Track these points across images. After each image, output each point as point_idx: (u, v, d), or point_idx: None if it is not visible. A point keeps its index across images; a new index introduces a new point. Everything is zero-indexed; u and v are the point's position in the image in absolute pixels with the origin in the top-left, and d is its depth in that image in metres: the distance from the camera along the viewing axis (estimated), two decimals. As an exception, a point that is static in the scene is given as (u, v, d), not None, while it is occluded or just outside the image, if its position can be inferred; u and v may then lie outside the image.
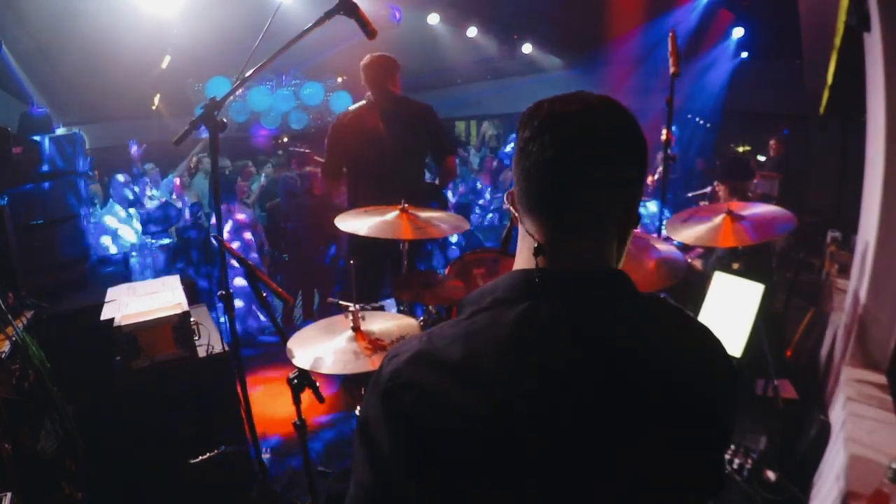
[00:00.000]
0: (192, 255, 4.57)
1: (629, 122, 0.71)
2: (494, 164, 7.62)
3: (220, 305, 1.93)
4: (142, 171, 5.45)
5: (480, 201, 6.91)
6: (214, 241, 1.86)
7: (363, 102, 3.11)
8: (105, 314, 2.26)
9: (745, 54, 8.01)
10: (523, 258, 0.73)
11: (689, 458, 0.68)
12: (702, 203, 4.15)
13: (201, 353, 2.28)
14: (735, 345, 2.19)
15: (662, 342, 0.69)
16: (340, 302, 2.07)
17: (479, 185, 7.18)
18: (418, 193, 2.78)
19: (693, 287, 2.60)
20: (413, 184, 3.01)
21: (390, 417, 0.65)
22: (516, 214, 0.75)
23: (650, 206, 5.53)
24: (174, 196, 5.40)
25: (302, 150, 4.98)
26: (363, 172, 3.09)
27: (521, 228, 0.75)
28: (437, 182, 3.38)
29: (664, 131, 2.68)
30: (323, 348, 1.84)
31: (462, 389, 0.63)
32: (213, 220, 2.52)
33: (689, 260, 3.38)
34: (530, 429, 0.62)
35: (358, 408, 2.11)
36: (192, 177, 6.65)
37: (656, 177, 5.15)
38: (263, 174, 6.40)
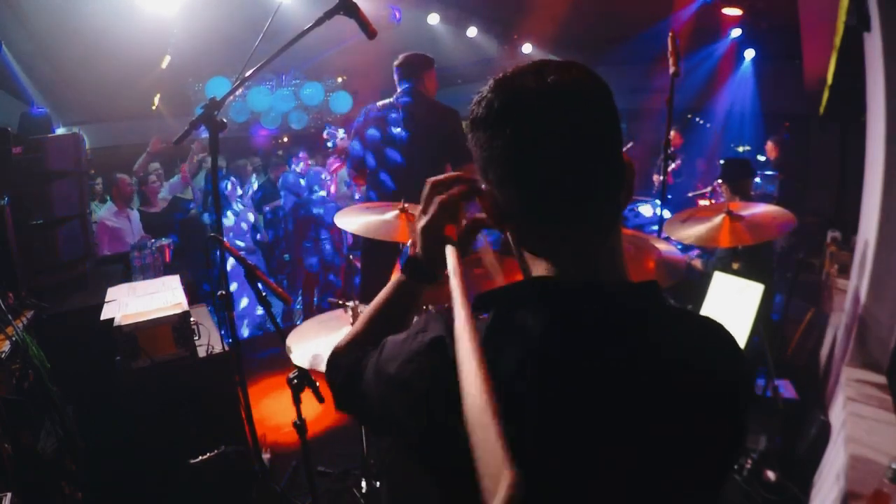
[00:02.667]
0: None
1: (608, 93, 0.66)
2: None
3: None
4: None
5: None
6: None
7: (389, 100, 3.11)
8: (105, 314, 2.26)
9: (751, 52, 7.99)
10: (534, 267, 0.70)
11: (703, 462, 0.68)
12: (702, 203, 4.15)
13: (201, 353, 2.28)
14: (735, 345, 2.19)
15: (684, 354, 0.67)
16: (340, 302, 2.07)
17: None
18: None
19: (693, 287, 2.60)
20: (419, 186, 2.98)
21: (402, 394, 0.67)
22: (502, 220, 0.70)
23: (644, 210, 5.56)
24: (185, 185, 5.33)
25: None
26: (379, 170, 3.09)
27: (513, 236, 0.71)
28: None
29: (673, 133, 2.68)
30: (322, 344, 1.84)
31: None
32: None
33: (689, 260, 3.38)
34: (548, 443, 0.61)
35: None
36: (193, 176, 6.64)
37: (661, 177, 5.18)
38: (255, 175, 6.36)
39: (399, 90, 3.07)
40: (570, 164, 0.63)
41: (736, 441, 0.72)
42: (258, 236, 5.19)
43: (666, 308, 0.71)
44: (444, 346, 0.64)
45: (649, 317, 0.68)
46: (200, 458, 2.11)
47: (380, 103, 3.13)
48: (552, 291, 0.67)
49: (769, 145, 5.91)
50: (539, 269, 0.69)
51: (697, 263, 3.38)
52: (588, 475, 0.62)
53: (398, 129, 3.00)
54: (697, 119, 9.24)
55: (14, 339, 2.00)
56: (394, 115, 3.02)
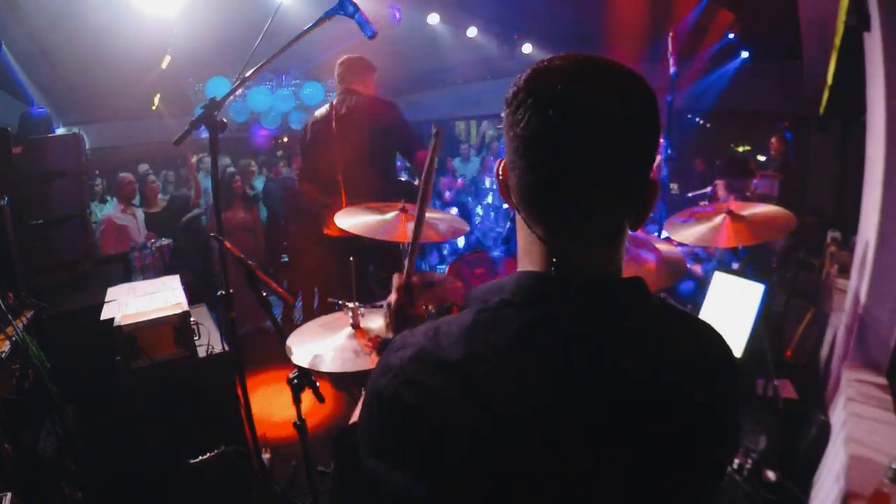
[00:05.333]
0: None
1: (653, 103, 0.64)
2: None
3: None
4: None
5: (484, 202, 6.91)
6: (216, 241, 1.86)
7: (326, 106, 3.12)
8: (105, 314, 2.25)
9: (750, 53, 8.00)
10: (530, 258, 0.70)
11: (691, 467, 0.68)
12: (702, 203, 4.15)
13: (201, 353, 2.28)
14: (735, 345, 2.20)
15: (670, 352, 0.68)
16: (340, 302, 2.07)
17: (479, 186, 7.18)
18: (383, 192, 2.74)
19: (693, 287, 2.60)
20: (374, 183, 2.95)
21: (391, 414, 0.65)
22: (512, 203, 0.70)
23: None
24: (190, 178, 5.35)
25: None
26: (326, 175, 3.09)
27: (519, 220, 0.71)
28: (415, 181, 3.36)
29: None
30: (322, 346, 1.84)
31: (461, 392, 0.62)
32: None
33: (690, 267, 3.38)
34: (530, 438, 0.61)
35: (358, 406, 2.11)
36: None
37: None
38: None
39: (336, 93, 3.10)
40: (575, 180, 0.62)
41: (727, 437, 0.72)
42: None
43: (652, 303, 0.70)
44: (397, 395, 0.64)
45: (633, 313, 0.68)
46: (200, 458, 2.11)
47: (318, 113, 3.14)
48: (536, 287, 0.67)
49: (773, 141, 5.92)
50: (532, 259, 0.70)
51: (697, 269, 3.38)
52: (591, 482, 0.62)
53: (335, 133, 3.01)
54: (698, 119, 9.24)
55: (14, 339, 2.01)
56: (333, 121, 3.02)
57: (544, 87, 0.62)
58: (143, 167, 6.30)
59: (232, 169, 5.66)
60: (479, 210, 6.69)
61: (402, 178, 3.09)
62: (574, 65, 0.63)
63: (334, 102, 3.07)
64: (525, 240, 0.71)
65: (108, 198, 5.82)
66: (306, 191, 3.37)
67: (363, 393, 0.72)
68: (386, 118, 3.01)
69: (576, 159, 0.62)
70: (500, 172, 0.71)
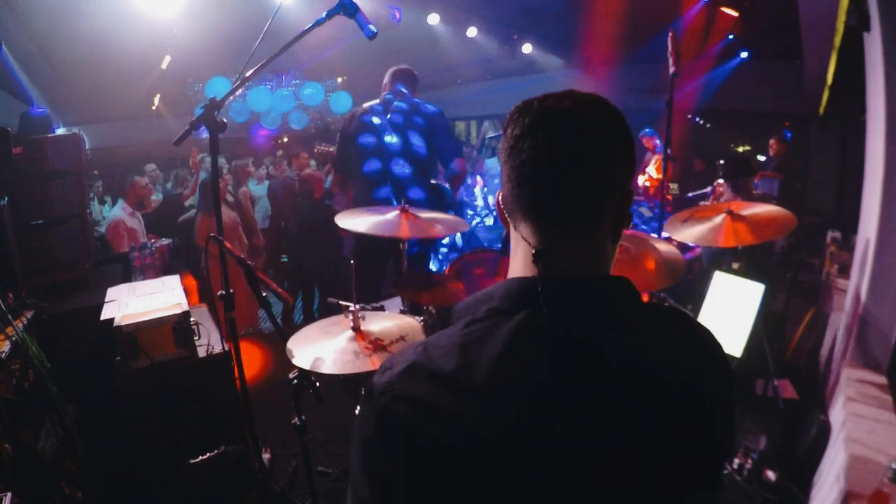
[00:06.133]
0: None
1: (619, 120, 0.70)
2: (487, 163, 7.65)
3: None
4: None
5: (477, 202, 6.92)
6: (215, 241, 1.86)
7: (374, 101, 3.18)
8: (105, 314, 2.25)
9: (745, 54, 8.02)
10: (518, 264, 0.72)
11: (688, 467, 0.68)
12: (702, 203, 4.16)
13: (201, 353, 2.28)
14: (735, 345, 2.20)
15: (662, 351, 0.69)
16: (341, 302, 2.07)
17: (468, 182, 7.18)
18: (422, 190, 2.86)
19: (694, 286, 2.60)
20: (416, 179, 3.07)
21: (385, 431, 0.65)
22: (507, 217, 0.73)
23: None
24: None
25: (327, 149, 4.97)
26: (370, 166, 3.14)
27: (512, 231, 0.73)
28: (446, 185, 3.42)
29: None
30: (323, 348, 1.84)
31: (456, 401, 0.62)
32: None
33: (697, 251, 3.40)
34: (527, 442, 0.61)
35: (358, 408, 2.11)
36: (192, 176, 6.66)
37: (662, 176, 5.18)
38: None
39: (386, 91, 3.20)
40: (551, 179, 0.66)
41: (724, 438, 0.73)
42: None
43: (642, 304, 0.71)
44: (389, 412, 0.64)
45: (621, 313, 0.69)
46: (200, 458, 2.11)
47: (367, 105, 3.20)
48: (524, 292, 0.68)
49: (773, 141, 5.92)
50: (519, 263, 0.72)
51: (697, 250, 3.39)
52: (588, 488, 0.63)
53: (380, 130, 3.10)
54: (698, 119, 9.24)
55: (14, 339, 2.00)
56: (383, 117, 3.12)
57: (527, 104, 0.71)
58: (150, 167, 6.30)
59: (226, 172, 5.66)
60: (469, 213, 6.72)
61: (433, 181, 3.17)
62: (555, 92, 0.72)
63: (388, 98, 3.18)
64: (514, 245, 0.73)
65: (107, 198, 5.82)
66: (343, 185, 3.49)
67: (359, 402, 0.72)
68: (434, 121, 3.15)
69: (549, 159, 0.66)
70: (499, 197, 0.75)
